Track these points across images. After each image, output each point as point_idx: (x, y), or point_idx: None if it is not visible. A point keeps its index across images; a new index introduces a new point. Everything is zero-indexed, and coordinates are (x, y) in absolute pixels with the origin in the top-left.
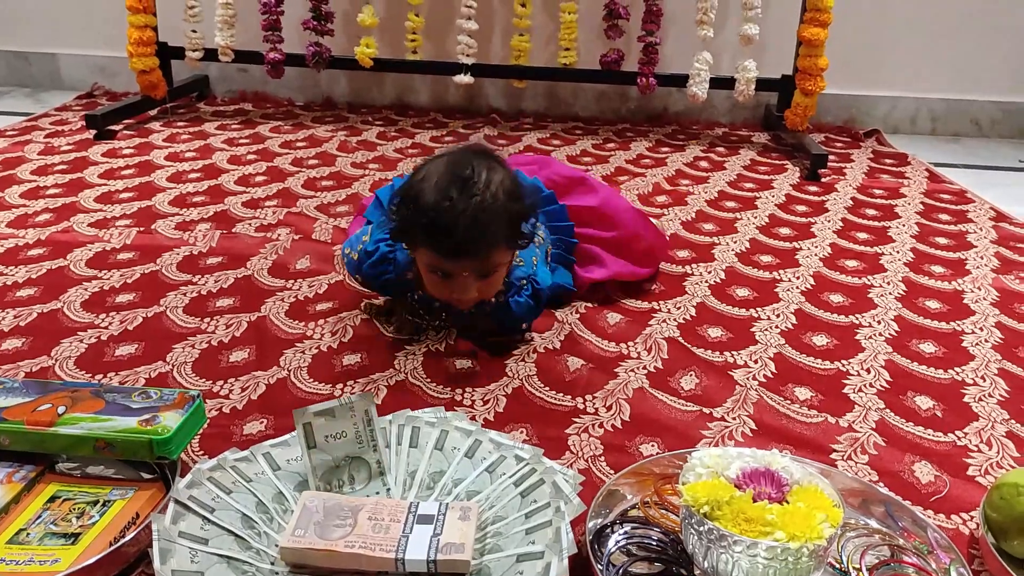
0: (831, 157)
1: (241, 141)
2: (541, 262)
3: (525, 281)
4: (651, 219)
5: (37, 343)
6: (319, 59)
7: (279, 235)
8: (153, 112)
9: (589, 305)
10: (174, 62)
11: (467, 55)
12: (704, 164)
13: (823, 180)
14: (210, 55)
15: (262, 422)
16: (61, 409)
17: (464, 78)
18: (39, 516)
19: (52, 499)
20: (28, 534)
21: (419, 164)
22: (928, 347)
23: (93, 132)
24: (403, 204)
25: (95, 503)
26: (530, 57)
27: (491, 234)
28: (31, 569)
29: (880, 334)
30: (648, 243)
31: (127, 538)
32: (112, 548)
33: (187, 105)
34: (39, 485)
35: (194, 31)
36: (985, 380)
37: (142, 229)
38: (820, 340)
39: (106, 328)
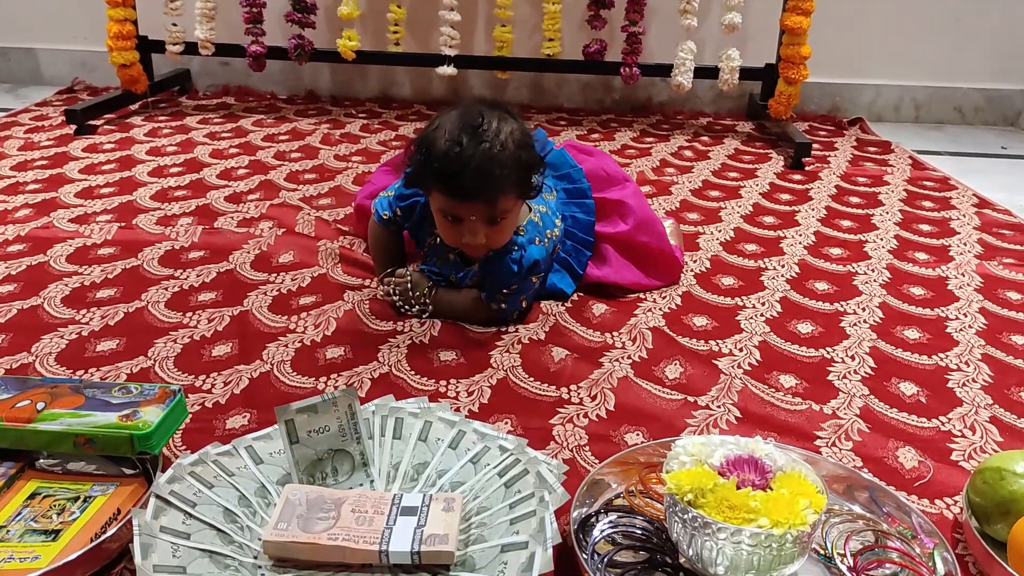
0: (815, 146)
1: (223, 135)
2: (541, 246)
3: (517, 247)
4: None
5: (17, 339)
6: (301, 52)
7: (262, 229)
8: (134, 107)
9: (574, 296)
10: (155, 56)
11: (450, 46)
12: (688, 154)
13: (807, 168)
14: (191, 49)
15: (245, 416)
16: (40, 405)
17: (447, 70)
18: (19, 513)
19: (32, 496)
20: (8, 531)
21: (434, 116)
22: (912, 333)
23: (73, 127)
24: (417, 151)
25: (76, 499)
26: (513, 48)
27: (499, 179)
28: (11, 567)
29: (864, 321)
30: (667, 257)
31: (108, 534)
32: (93, 544)
33: (169, 99)
34: (19, 482)
35: (174, 24)
36: (969, 365)
37: (123, 224)
38: (805, 328)
39: (87, 324)
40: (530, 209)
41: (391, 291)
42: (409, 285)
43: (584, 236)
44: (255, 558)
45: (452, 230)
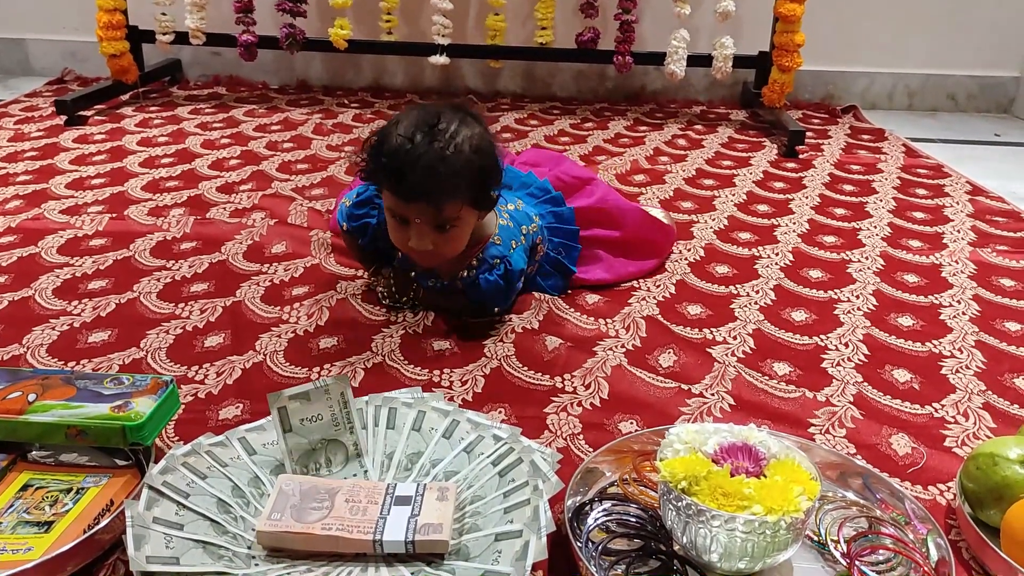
0: (808, 133)
1: (215, 125)
2: (521, 248)
3: (498, 260)
4: (656, 214)
5: (8, 332)
6: (293, 41)
7: (254, 219)
8: (125, 97)
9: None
10: (146, 46)
11: (443, 35)
12: (682, 142)
13: (801, 156)
14: (181, 38)
15: (238, 407)
16: (31, 397)
17: (440, 59)
18: (11, 505)
19: (25, 487)
20: (0, 523)
21: (396, 115)
22: (906, 320)
23: (64, 118)
24: (371, 144)
25: (68, 491)
26: (506, 37)
27: (447, 182)
28: (3, 558)
29: (858, 308)
30: (652, 243)
31: (101, 525)
32: (86, 535)
33: (160, 90)
34: (11, 474)
35: (164, 14)
36: (962, 352)
37: (114, 215)
38: (799, 315)
39: (79, 315)
40: (496, 215)
41: (381, 293)
42: (393, 289)
43: (569, 228)
44: (249, 548)
45: (399, 232)
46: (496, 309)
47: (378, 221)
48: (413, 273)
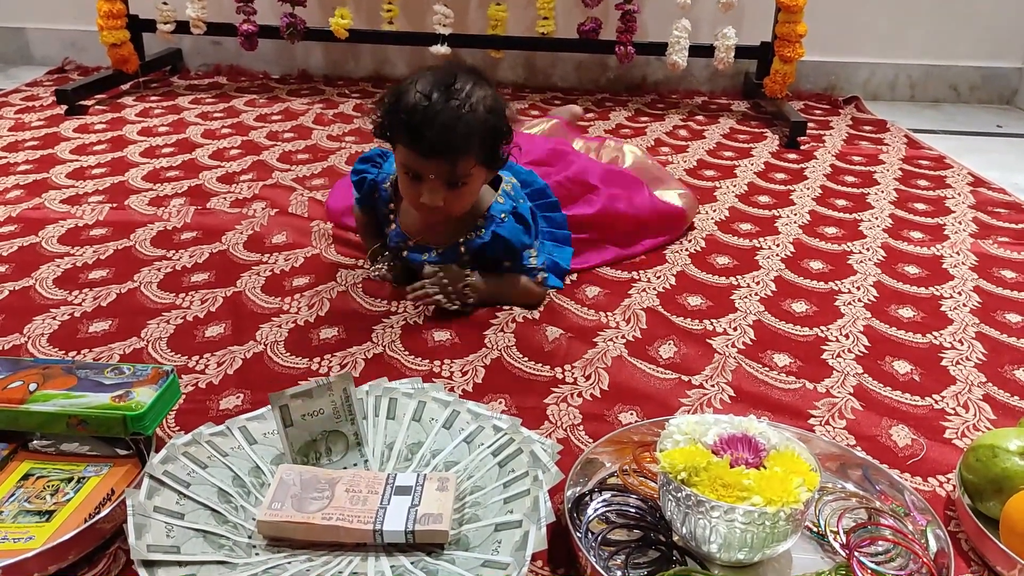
0: (810, 124)
1: (215, 115)
2: (527, 205)
3: (505, 215)
4: (670, 196)
5: (9, 321)
6: (293, 31)
7: (254, 210)
8: (125, 87)
9: (569, 276)
10: (146, 36)
11: (444, 25)
12: (683, 133)
13: (802, 148)
14: (182, 28)
15: (239, 396)
16: (32, 386)
17: (441, 49)
18: (12, 494)
19: (26, 477)
20: (1, 512)
21: (411, 75)
22: (907, 312)
23: (64, 107)
24: (386, 100)
25: (70, 480)
26: (508, 27)
27: (463, 139)
28: (5, 547)
29: (859, 300)
30: (659, 230)
31: (102, 514)
32: (87, 524)
33: (160, 79)
34: (12, 463)
35: (165, 3)
36: (963, 344)
37: (115, 205)
38: (799, 307)
39: (79, 305)
40: (497, 189)
41: (429, 291)
42: (446, 281)
43: (562, 232)
44: (249, 538)
45: (412, 188)
46: (546, 277)
47: (375, 178)
48: (405, 253)
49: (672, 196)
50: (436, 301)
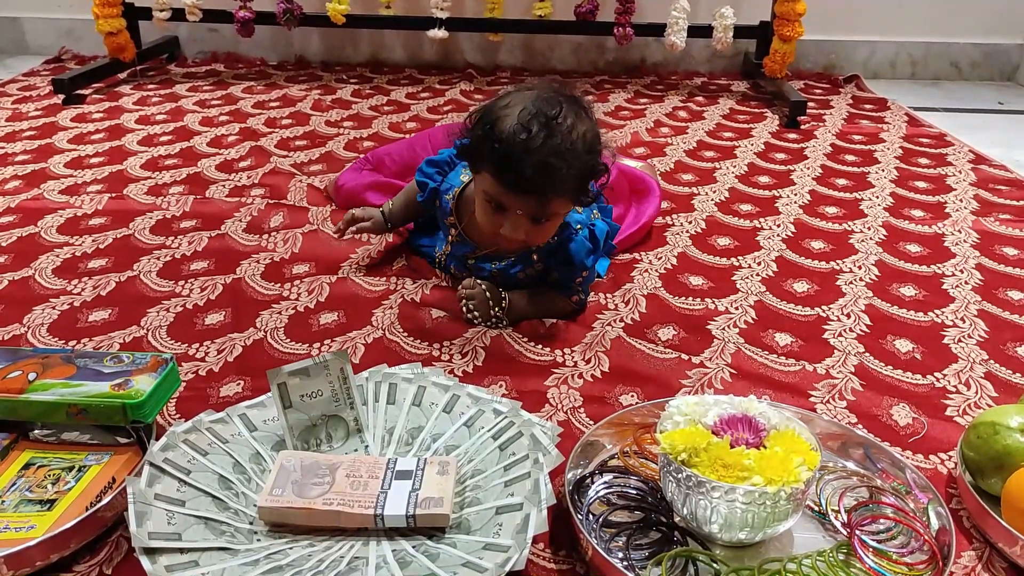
0: (810, 104)
1: (213, 102)
2: (599, 219)
3: (581, 226)
4: (631, 164)
5: (8, 311)
6: (290, 16)
7: (253, 197)
8: (122, 75)
9: None
10: (142, 23)
11: (441, 9)
12: (683, 114)
13: (802, 127)
14: (178, 15)
15: (239, 384)
16: (31, 376)
17: (439, 33)
18: (14, 483)
19: (27, 466)
20: (3, 501)
21: (506, 91)
22: (908, 291)
23: (61, 97)
24: (479, 124)
25: (70, 469)
26: (505, 9)
27: (559, 180)
28: (6, 536)
29: (860, 279)
30: (627, 194)
31: (103, 503)
32: (88, 513)
33: (157, 67)
34: (13, 452)
35: None
36: (965, 321)
37: (114, 194)
38: (801, 287)
39: (79, 294)
40: None
41: (468, 307)
42: (487, 296)
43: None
44: (251, 524)
45: (492, 218)
46: (581, 298)
47: (438, 187)
48: (471, 261)
49: (630, 163)
50: (471, 319)
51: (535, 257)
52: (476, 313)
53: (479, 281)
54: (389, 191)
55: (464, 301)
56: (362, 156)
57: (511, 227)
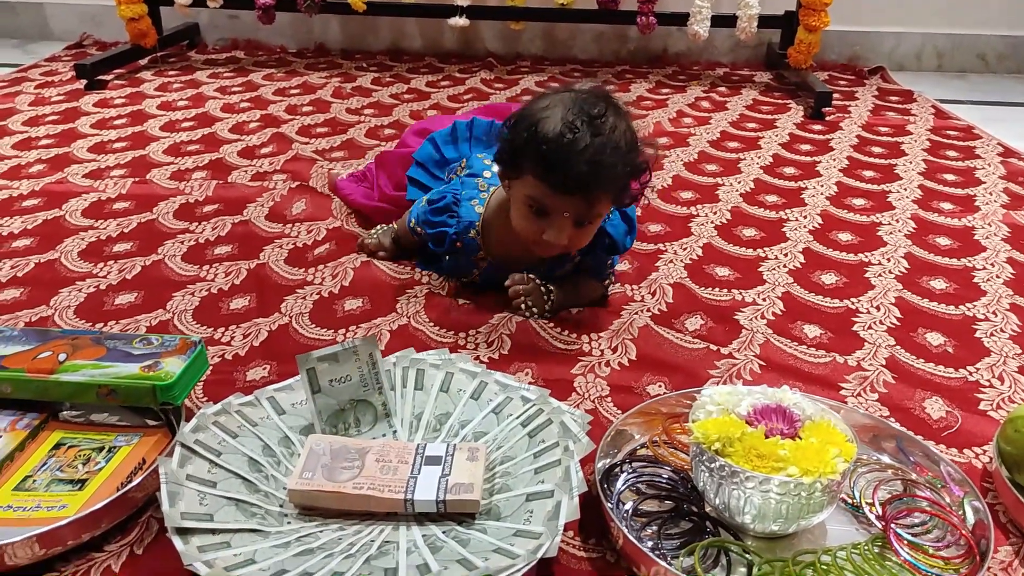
0: (835, 95)
1: (234, 89)
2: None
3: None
4: None
5: (36, 293)
6: (311, 3)
7: (275, 182)
8: (144, 61)
9: None
10: (164, 10)
11: None
12: (706, 104)
13: (827, 119)
14: (199, 1)
15: (265, 368)
16: (62, 356)
17: (459, 21)
18: (44, 463)
19: (57, 446)
20: (34, 481)
21: (542, 94)
22: (939, 284)
23: (84, 82)
24: (519, 127)
25: (101, 449)
26: None
27: (606, 178)
28: (38, 515)
29: (890, 271)
30: None
31: (134, 483)
32: (120, 493)
33: (178, 54)
34: (43, 433)
35: None
36: (997, 315)
37: (137, 179)
38: (829, 279)
39: (104, 277)
40: None
41: (526, 304)
42: (541, 289)
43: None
44: (281, 507)
45: (534, 223)
46: (610, 283)
47: (456, 230)
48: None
49: None
50: (529, 315)
51: (575, 255)
52: (535, 309)
53: (529, 276)
54: (379, 213)
55: (522, 298)
56: (363, 168)
57: (555, 232)
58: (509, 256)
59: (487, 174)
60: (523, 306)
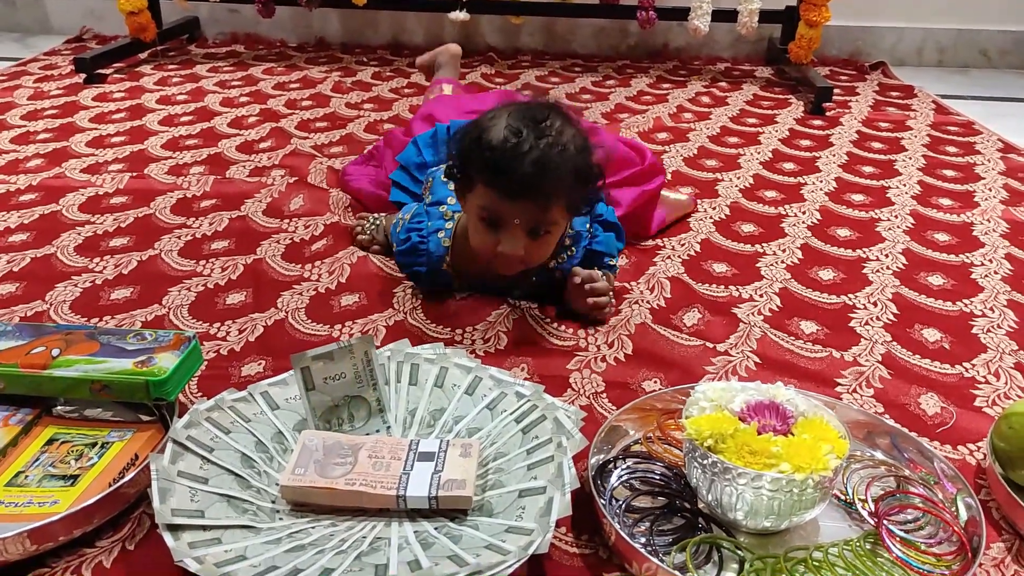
0: (836, 90)
1: (233, 83)
2: (610, 213)
3: (589, 225)
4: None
5: (31, 288)
6: None
7: (273, 178)
8: (143, 55)
9: None
10: (163, 3)
11: None
12: (706, 100)
13: (828, 114)
14: None
15: (260, 363)
16: (55, 352)
17: (460, 15)
18: (37, 459)
19: (50, 441)
20: (26, 476)
21: (490, 110)
22: (936, 280)
23: (83, 76)
24: (465, 138)
25: (93, 445)
26: None
27: (555, 181)
28: (30, 511)
29: (888, 267)
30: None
31: (126, 479)
32: (111, 489)
33: (178, 48)
34: (36, 428)
35: None
36: (994, 312)
37: (134, 173)
38: (827, 274)
39: (100, 272)
40: None
41: (609, 297)
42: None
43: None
44: (273, 503)
45: (488, 237)
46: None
47: (427, 268)
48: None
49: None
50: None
51: (558, 274)
52: (607, 310)
53: (599, 272)
54: (382, 203)
55: (606, 296)
56: (369, 149)
57: (509, 242)
58: (482, 281)
59: (451, 200)
60: (608, 308)
